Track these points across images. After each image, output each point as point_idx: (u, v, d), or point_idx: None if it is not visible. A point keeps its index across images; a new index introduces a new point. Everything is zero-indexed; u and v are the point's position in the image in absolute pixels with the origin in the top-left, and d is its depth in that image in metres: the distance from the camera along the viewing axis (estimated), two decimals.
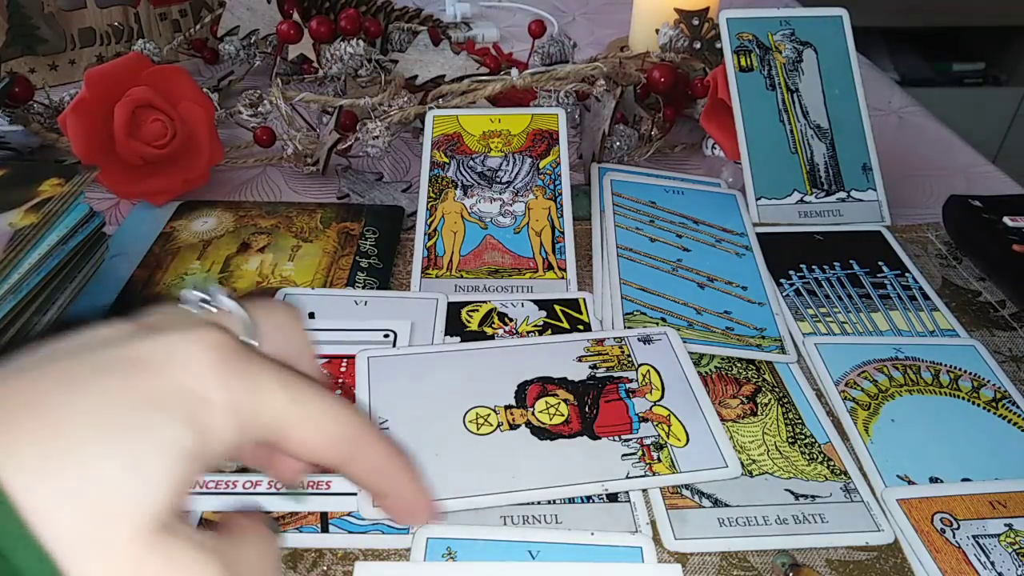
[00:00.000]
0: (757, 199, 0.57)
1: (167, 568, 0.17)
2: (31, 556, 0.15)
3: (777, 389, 0.43)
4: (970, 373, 0.44)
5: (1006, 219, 0.54)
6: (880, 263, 0.53)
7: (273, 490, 0.36)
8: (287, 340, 0.24)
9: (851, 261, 0.53)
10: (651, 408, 0.41)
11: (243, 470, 0.37)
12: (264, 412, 0.21)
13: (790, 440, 0.40)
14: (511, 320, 0.47)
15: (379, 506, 0.26)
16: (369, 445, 0.23)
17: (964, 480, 0.38)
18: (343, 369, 0.43)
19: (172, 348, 0.20)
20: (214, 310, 0.23)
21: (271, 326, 0.24)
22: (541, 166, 0.57)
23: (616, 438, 0.39)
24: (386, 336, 0.45)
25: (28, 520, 0.16)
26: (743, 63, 0.59)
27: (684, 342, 0.45)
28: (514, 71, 0.65)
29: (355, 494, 0.36)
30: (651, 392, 0.42)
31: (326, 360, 0.43)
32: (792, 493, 0.37)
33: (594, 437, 0.39)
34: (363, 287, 0.50)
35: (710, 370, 0.44)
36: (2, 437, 0.16)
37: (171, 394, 0.19)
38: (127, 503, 0.17)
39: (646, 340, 0.45)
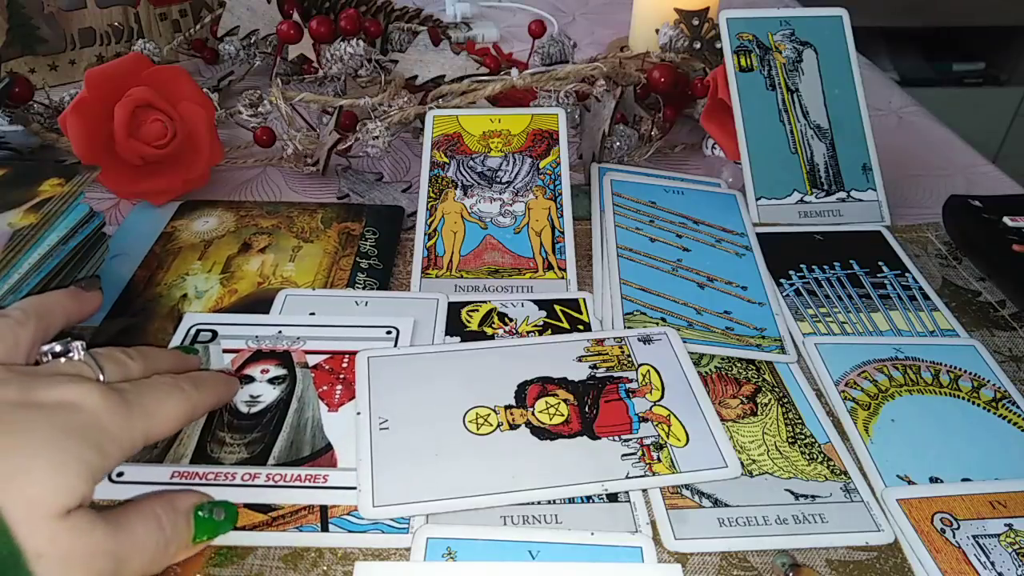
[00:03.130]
0: (757, 199, 0.57)
1: (71, 533, 0.26)
2: None
3: (777, 389, 0.43)
4: (970, 373, 0.44)
5: (1006, 219, 0.54)
6: (880, 263, 0.53)
7: (271, 483, 0.36)
8: (119, 366, 0.34)
9: (851, 261, 0.53)
10: (651, 408, 0.41)
11: (242, 463, 0.37)
12: (136, 429, 0.30)
13: (790, 440, 0.40)
14: (511, 320, 0.47)
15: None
16: (200, 405, 0.35)
17: (964, 480, 0.38)
18: (344, 365, 0.43)
19: (70, 393, 0.29)
20: (75, 359, 0.32)
21: (105, 360, 0.33)
22: (541, 166, 0.57)
23: (616, 438, 0.39)
24: (388, 333, 0.45)
25: None
26: (743, 63, 0.59)
27: (684, 342, 0.45)
28: (514, 71, 0.65)
29: (354, 488, 0.36)
30: (651, 392, 0.42)
31: (329, 356, 0.44)
32: (792, 493, 0.37)
33: (594, 437, 0.39)
34: (363, 288, 0.50)
35: (710, 370, 0.44)
36: None
37: (83, 427, 0.28)
38: (49, 497, 0.26)
39: (646, 340, 0.45)
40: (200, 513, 0.32)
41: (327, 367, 0.43)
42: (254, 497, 0.36)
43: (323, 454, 0.38)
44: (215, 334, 0.45)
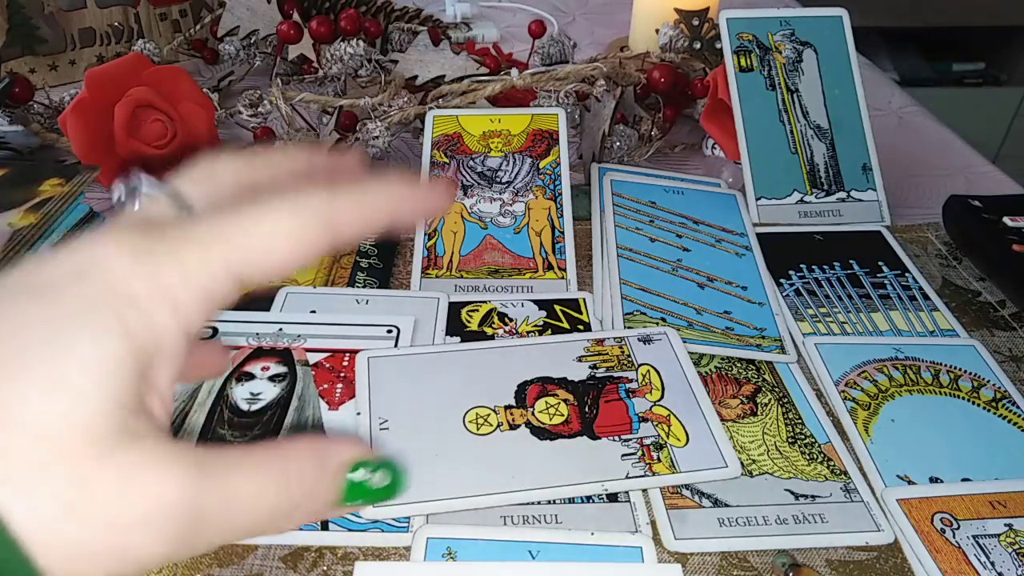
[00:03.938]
0: (757, 199, 0.57)
1: (123, 479, 0.16)
2: None
3: (777, 389, 0.43)
4: (970, 373, 0.44)
5: (1006, 219, 0.54)
6: (880, 263, 0.53)
7: None
8: (217, 182, 0.23)
9: (851, 261, 0.53)
10: (651, 408, 0.41)
11: None
12: (201, 273, 0.19)
13: (790, 440, 0.40)
14: (511, 320, 0.47)
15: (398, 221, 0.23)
16: (342, 219, 0.21)
17: (964, 480, 0.38)
18: (345, 363, 0.43)
19: (80, 261, 0.19)
20: (146, 194, 0.23)
21: (200, 182, 0.23)
22: (541, 166, 0.57)
23: (616, 438, 0.39)
24: (389, 332, 0.45)
25: None
26: (743, 63, 0.59)
27: (684, 342, 0.45)
28: (514, 71, 0.65)
29: None
30: (651, 392, 0.42)
31: (329, 354, 0.44)
32: (792, 493, 0.37)
33: (594, 437, 0.39)
34: (363, 287, 0.50)
35: (710, 370, 0.44)
36: None
37: (89, 305, 0.18)
38: (57, 426, 0.16)
39: (646, 340, 0.45)
40: (353, 477, 0.22)
41: (328, 365, 0.43)
42: None
43: None
44: (216, 331, 0.45)
